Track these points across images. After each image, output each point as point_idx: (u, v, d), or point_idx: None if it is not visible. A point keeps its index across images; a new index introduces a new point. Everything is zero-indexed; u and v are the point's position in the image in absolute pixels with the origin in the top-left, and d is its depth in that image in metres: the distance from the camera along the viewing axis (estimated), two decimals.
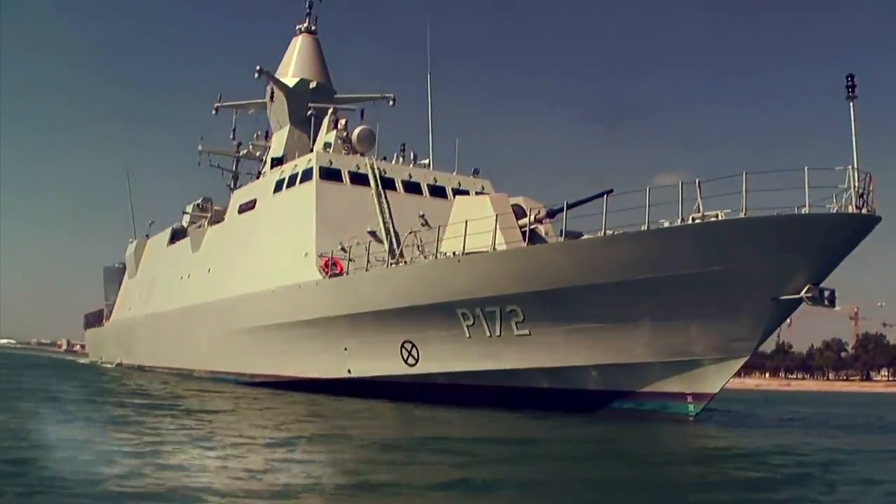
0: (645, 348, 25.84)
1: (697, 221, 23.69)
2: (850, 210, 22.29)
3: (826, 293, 23.50)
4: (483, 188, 42.16)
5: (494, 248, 28.18)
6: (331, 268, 35.16)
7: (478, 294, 28.27)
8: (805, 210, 22.26)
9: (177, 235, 55.90)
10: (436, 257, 30.30)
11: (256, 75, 47.49)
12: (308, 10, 52.23)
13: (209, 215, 50.54)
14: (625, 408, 27.05)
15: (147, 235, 64.17)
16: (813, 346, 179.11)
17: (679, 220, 23.96)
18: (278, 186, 41.80)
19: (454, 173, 42.70)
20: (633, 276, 24.70)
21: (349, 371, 34.70)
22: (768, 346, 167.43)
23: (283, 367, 38.95)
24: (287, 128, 48.52)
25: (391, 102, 51.11)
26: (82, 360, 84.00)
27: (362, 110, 50.67)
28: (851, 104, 22.72)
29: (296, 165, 41.06)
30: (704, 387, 25.50)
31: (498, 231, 28.47)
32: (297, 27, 51.98)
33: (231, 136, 53.62)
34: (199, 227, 52.29)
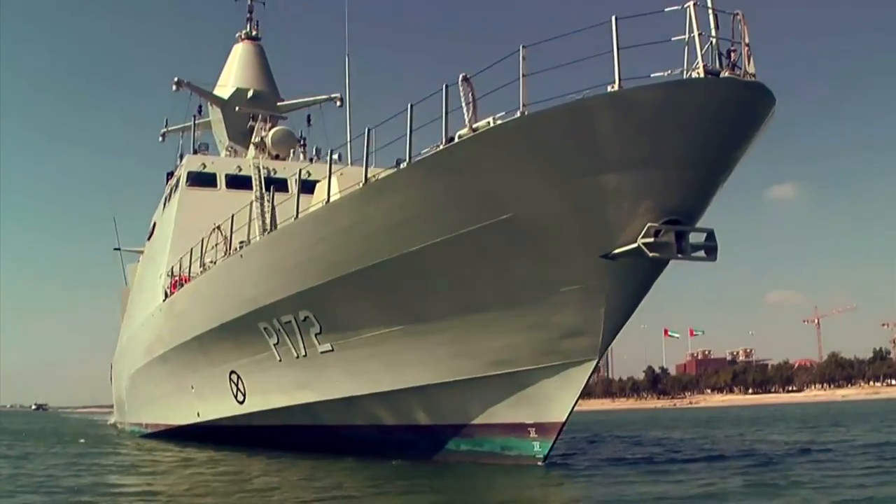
0: (460, 358, 15.33)
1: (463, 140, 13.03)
2: (696, 74, 11.15)
3: (692, 237, 12.29)
4: None
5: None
6: (178, 289, 25.68)
7: (266, 299, 18.51)
8: (613, 87, 11.28)
9: None
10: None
11: (175, 88, 38.59)
12: (248, 15, 43.22)
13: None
14: (462, 450, 16.37)
15: None
16: None
17: (442, 144, 13.38)
18: (165, 202, 32.97)
19: (372, 166, 32.47)
20: (405, 246, 14.46)
21: (198, 414, 25.05)
22: (866, 353, 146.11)
23: (160, 414, 29.81)
24: (225, 144, 39.43)
25: (338, 103, 41.52)
26: None
27: (308, 116, 41.38)
28: None
29: (177, 176, 32.09)
30: (548, 413, 14.68)
31: None
32: (238, 34, 43.10)
33: (178, 162, 44.76)
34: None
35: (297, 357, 18.95)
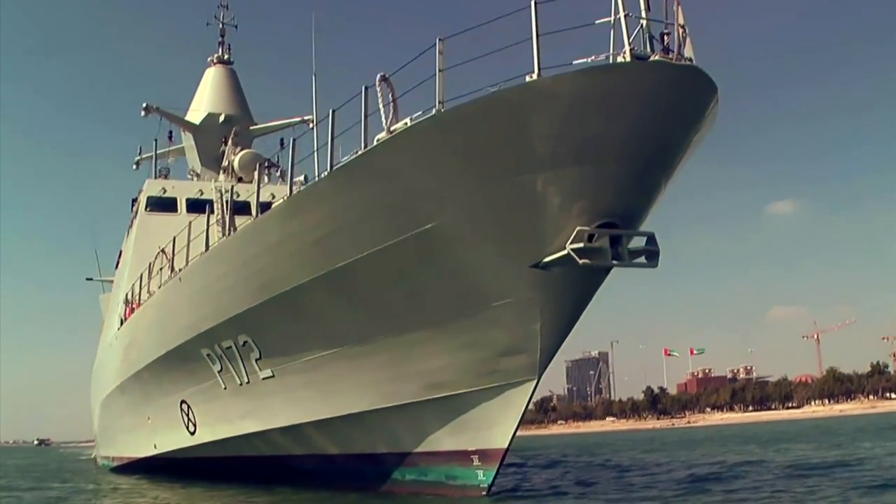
0: (396, 382, 14.17)
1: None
2: (622, 59, 9.96)
3: (630, 241, 11.05)
4: None
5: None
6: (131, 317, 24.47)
7: (206, 324, 17.36)
8: (532, 76, 10.10)
9: None
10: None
11: (144, 113, 37.37)
12: (220, 39, 42.19)
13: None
14: (408, 480, 15.06)
15: None
16: None
17: (361, 148, 12.23)
18: (128, 229, 31.85)
19: None
20: (330, 263, 13.40)
21: (155, 446, 23.72)
22: (864, 367, 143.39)
23: (123, 447, 28.54)
24: (198, 170, 38.18)
25: (311, 125, 40.27)
26: None
27: (281, 139, 40.13)
28: None
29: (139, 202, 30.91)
30: (490, 439, 13.32)
31: None
32: (210, 58, 41.99)
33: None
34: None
35: (241, 385, 17.75)
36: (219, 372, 18.22)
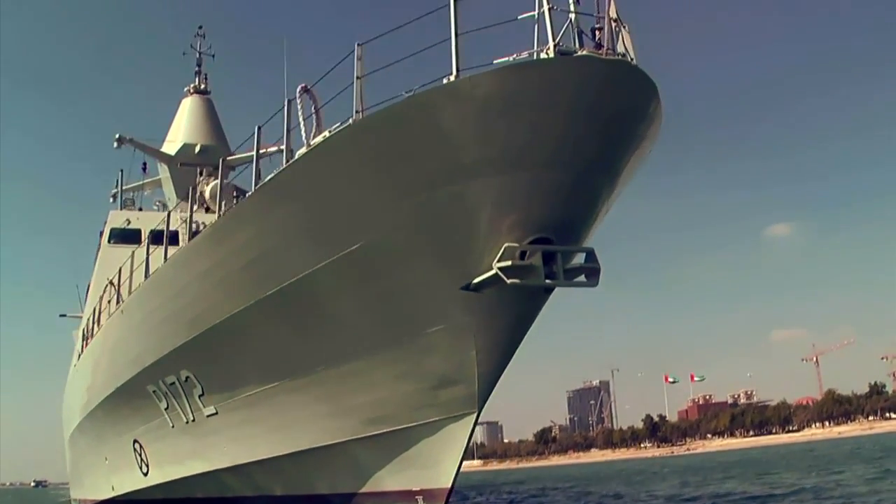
0: (336, 418, 13.12)
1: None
2: (546, 55, 9.02)
3: (567, 258, 10.03)
4: None
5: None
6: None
7: (148, 358, 16.40)
8: (450, 78, 9.17)
9: None
10: None
11: (116, 145, 36.48)
12: (197, 69, 41.48)
13: None
14: None
15: None
16: None
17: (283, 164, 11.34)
18: (94, 263, 30.80)
19: None
20: (259, 291, 12.46)
21: (112, 488, 22.53)
22: (864, 388, 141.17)
23: (86, 489, 27.32)
24: (175, 203, 37.14)
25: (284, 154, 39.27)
26: None
27: (259, 170, 39.01)
28: None
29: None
30: (434, 478, 12.23)
31: None
32: (186, 88, 41.23)
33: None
34: None
35: (187, 423, 16.71)
36: (165, 409, 17.19)
